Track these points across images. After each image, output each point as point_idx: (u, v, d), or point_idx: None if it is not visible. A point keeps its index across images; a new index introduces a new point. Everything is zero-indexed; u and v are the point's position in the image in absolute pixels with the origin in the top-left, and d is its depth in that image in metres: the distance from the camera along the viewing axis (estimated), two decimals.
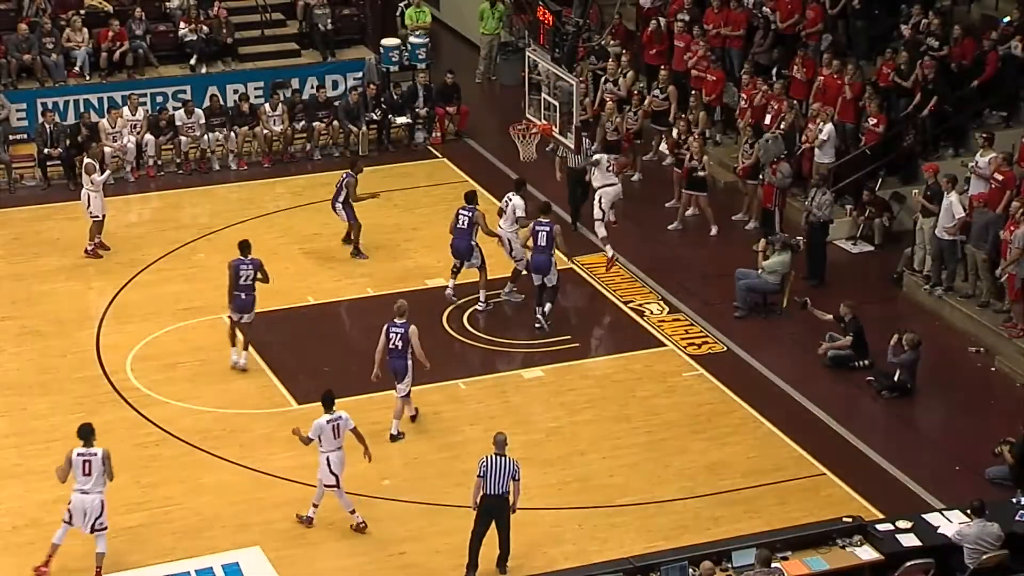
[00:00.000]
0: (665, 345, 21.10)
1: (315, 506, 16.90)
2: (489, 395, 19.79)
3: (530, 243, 21.32)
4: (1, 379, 19.79)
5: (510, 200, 21.91)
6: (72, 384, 19.66)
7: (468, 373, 20.26)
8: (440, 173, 26.51)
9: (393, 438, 18.63)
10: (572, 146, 24.43)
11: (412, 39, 29.00)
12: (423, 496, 17.54)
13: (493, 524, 16.02)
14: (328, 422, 16.56)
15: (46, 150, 25.48)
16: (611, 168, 23.12)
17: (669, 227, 24.35)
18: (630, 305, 22.17)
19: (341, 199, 22.94)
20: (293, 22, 29.61)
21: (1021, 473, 17.70)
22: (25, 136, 26.39)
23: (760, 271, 21.75)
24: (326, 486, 16.75)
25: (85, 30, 27.51)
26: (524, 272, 21.68)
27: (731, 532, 16.60)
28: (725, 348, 21.01)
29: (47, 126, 25.54)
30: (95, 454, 15.86)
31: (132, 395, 19.45)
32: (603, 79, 26.76)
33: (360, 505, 17.34)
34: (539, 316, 21.19)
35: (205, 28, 28.17)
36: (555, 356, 20.67)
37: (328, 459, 16.58)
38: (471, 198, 21.82)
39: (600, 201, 22.99)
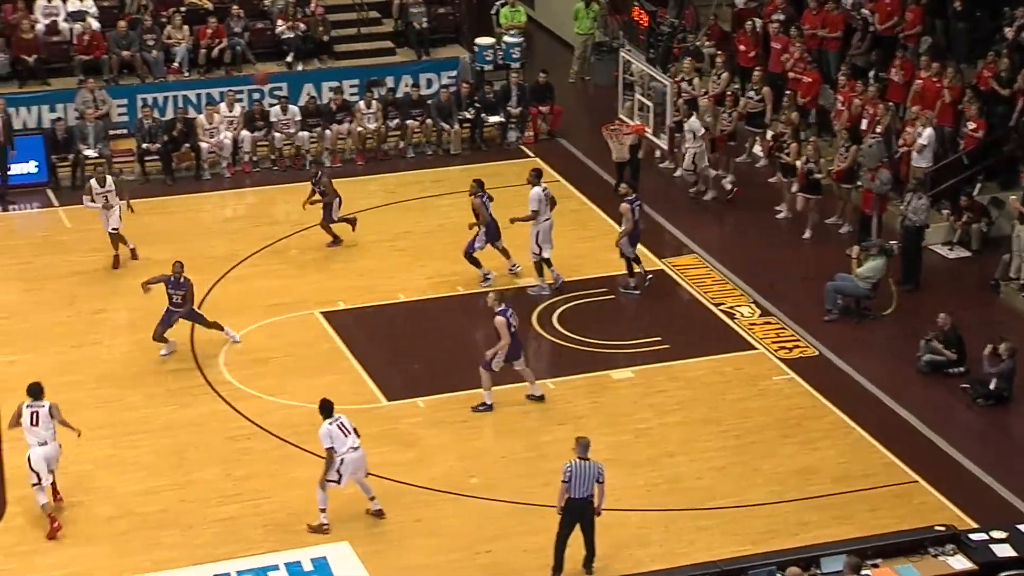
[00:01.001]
0: (756, 348, 20.93)
1: (372, 498, 16.96)
2: (578, 395, 19.75)
3: (625, 225, 21.91)
4: (98, 371, 20.08)
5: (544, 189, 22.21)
6: (166, 377, 19.90)
7: (557, 372, 20.22)
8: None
9: (540, 398, 19.30)
10: (665, 147, 24.39)
11: (507, 38, 29.04)
12: (510, 495, 17.53)
13: (577, 527, 15.96)
14: (331, 424, 16.53)
15: (144, 145, 25.85)
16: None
17: (804, 237, 24.03)
18: (721, 307, 22.02)
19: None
20: (389, 20, 29.77)
21: None
22: (125, 131, 26.76)
23: (855, 277, 21.49)
24: (327, 479, 16.62)
25: (185, 27, 27.87)
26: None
27: (820, 538, 16.41)
28: (817, 352, 20.80)
29: (146, 122, 25.91)
30: (43, 406, 16.78)
31: (224, 389, 19.66)
32: (679, 78, 26.54)
33: (448, 502, 17.40)
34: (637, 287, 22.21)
35: (302, 26, 28.41)
36: (645, 357, 20.58)
37: (343, 460, 16.54)
38: (483, 184, 22.16)
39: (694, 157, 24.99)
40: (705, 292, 22.47)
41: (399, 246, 23.74)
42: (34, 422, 16.74)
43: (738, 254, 23.56)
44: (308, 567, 16.23)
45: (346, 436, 16.56)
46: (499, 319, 18.91)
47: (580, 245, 23.65)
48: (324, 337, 20.90)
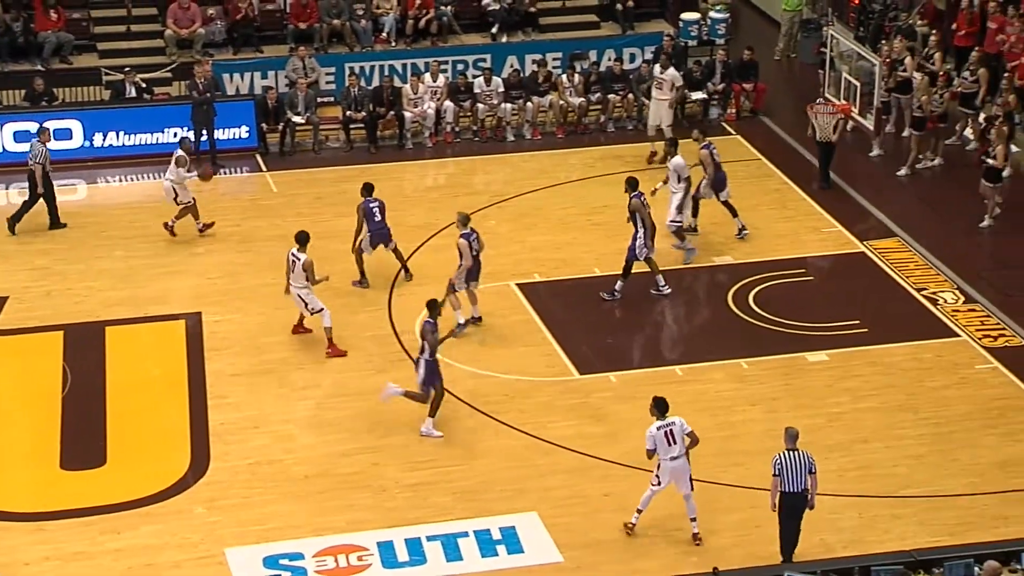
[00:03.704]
0: (958, 336, 20.41)
1: (693, 519, 16.25)
2: (772, 376, 19.53)
3: (708, 171, 22.28)
4: (301, 334, 20.51)
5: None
6: (364, 342, 20.25)
7: (751, 353, 20.03)
8: (733, 150, 26.22)
9: (474, 320, 20.25)
10: (871, 127, 23.89)
11: (712, 14, 28.78)
12: (700, 474, 17.32)
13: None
14: (659, 428, 15.98)
15: (349, 113, 26.32)
16: None
17: (981, 225, 23.35)
18: (923, 292, 21.53)
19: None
20: None
21: None
22: (332, 99, 27.30)
23: None
24: (652, 483, 16.20)
25: None
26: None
27: (1021, 533, 15.98)
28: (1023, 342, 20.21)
29: (352, 90, 26.37)
30: (300, 258, 19.57)
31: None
32: (892, 60, 25.90)
33: (638, 477, 17.30)
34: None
35: None
36: (842, 340, 20.24)
37: (661, 464, 16.02)
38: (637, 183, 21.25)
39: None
40: (907, 276, 21.98)
41: (596, 220, 23.73)
42: (292, 269, 19.65)
43: (944, 239, 22.97)
44: (496, 536, 16.40)
45: (670, 445, 15.95)
46: (462, 241, 19.82)
47: (780, 225, 23.34)
48: (519, 308, 21.05)
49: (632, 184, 21.03)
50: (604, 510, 16.87)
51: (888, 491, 17.20)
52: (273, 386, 19.23)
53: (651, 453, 15.99)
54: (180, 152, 22.96)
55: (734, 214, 22.71)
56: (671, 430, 15.94)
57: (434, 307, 18.21)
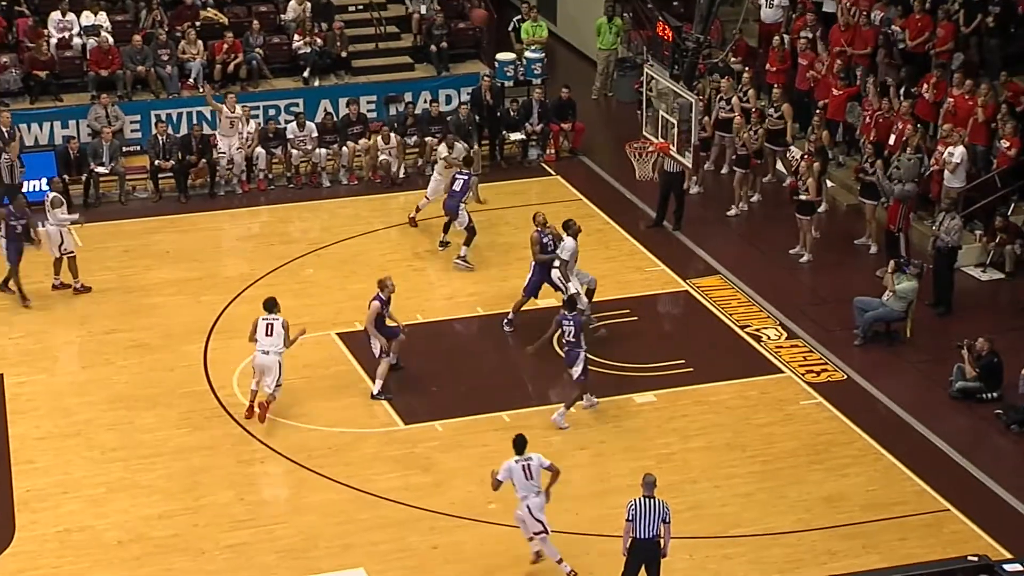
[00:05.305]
0: (782, 372, 20.50)
1: (560, 562, 16.05)
2: (600, 419, 19.34)
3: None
4: (109, 392, 19.77)
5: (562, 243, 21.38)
6: (178, 398, 19.56)
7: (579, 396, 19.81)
8: (553, 190, 26.17)
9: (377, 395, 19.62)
10: (689, 164, 23.98)
11: (528, 54, 28.70)
12: None
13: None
14: (516, 462, 15.86)
15: (157, 162, 25.51)
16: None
17: (801, 260, 23.63)
18: (747, 330, 21.60)
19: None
20: (407, 36, 29.45)
21: None
22: (138, 148, 26.44)
23: (889, 295, 20.98)
24: (534, 534, 16.00)
25: (200, 42, 27.56)
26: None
27: (848, 567, 16.07)
28: (845, 376, 20.36)
29: (160, 138, 25.57)
30: (277, 319, 18.68)
31: (238, 411, 19.29)
32: (718, 97, 26.24)
33: (465, 528, 17.02)
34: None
35: (319, 41, 28.09)
36: (668, 381, 20.16)
37: (528, 506, 15.83)
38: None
39: None
40: (730, 314, 22.04)
41: (417, 266, 23.41)
42: (268, 332, 18.66)
43: (764, 275, 23.13)
44: None
45: (528, 479, 15.82)
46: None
47: (603, 265, 23.21)
48: (340, 359, 20.55)
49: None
50: (432, 562, 16.48)
51: (718, 531, 17.12)
52: (82, 448, 18.43)
53: (498, 484, 15.82)
54: (53, 193, 22.33)
55: (445, 230, 23.49)
56: (528, 465, 15.82)
57: (573, 301, 19.20)
